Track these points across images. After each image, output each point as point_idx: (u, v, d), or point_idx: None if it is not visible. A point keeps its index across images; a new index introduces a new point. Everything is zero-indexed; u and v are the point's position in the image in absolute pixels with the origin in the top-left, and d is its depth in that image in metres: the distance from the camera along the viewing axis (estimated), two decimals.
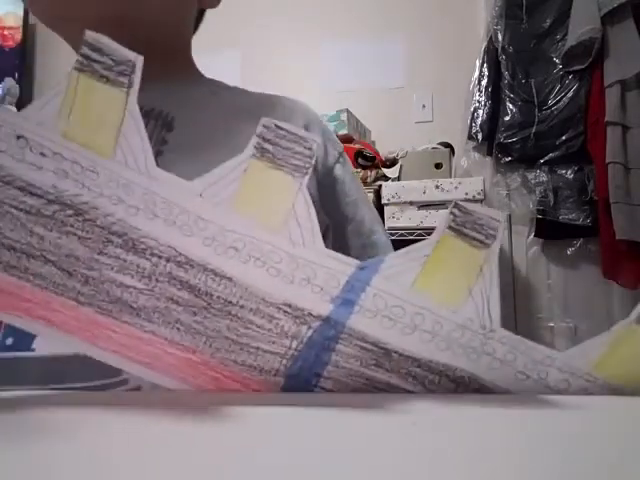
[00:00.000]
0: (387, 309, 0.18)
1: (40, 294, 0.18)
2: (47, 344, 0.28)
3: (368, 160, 1.63)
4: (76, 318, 0.18)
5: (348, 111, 1.68)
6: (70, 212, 0.18)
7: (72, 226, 0.18)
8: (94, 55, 0.17)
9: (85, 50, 0.17)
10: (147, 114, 0.37)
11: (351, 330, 0.18)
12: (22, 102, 2.02)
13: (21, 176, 0.17)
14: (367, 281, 0.18)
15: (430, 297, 0.18)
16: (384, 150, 1.77)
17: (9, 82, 2.04)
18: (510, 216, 1.66)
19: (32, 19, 2.19)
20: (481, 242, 0.18)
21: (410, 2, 1.90)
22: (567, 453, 0.13)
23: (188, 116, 0.39)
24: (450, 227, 0.18)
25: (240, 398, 0.19)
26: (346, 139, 1.61)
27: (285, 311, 0.18)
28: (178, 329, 0.18)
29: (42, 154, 0.17)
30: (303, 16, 2.00)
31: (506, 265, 1.67)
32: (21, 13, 2.20)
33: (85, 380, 0.27)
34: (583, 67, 1.51)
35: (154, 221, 0.18)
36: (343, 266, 0.18)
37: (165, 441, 0.14)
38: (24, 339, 0.28)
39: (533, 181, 1.59)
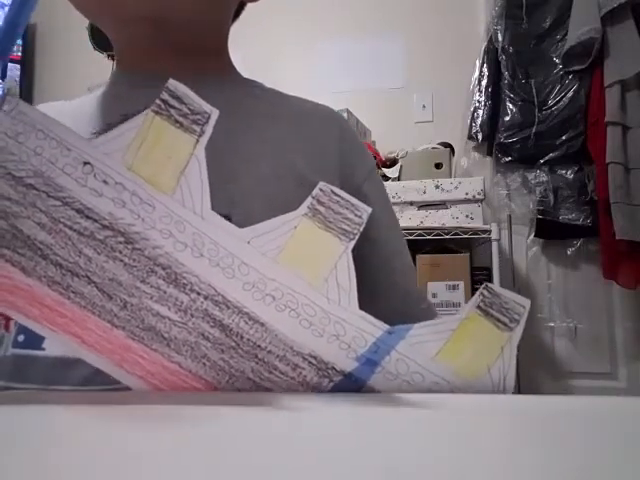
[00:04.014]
0: (408, 374, 0.19)
1: (78, 312, 0.19)
2: (56, 345, 0.28)
3: None
4: (108, 340, 0.19)
5: (348, 111, 1.68)
6: (121, 239, 0.18)
7: (120, 252, 0.18)
8: (172, 102, 0.18)
9: (165, 95, 0.18)
10: None
11: (371, 389, 0.19)
12: None
13: (81, 199, 0.18)
14: (393, 345, 0.19)
15: (451, 368, 0.19)
16: (384, 150, 1.77)
17: (9, 82, 2.04)
18: (510, 216, 1.66)
19: (32, 19, 2.19)
20: (505, 325, 0.19)
21: (410, 2, 1.90)
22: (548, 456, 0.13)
23: (219, 120, 0.38)
24: (479, 307, 0.19)
25: (240, 398, 0.19)
26: None
27: (310, 362, 0.19)
28: (204, 364, 0.19)
29: (105, 182, 0.18)
30: (303, 16, 2.00)
31: (506, 265, 1.67)
32: None
33: (90, 384, 0.27)
34: (583, 67, 1.51)
35: (200, 260, 0.18)
36: (373, 328, 0.19)
37: (163, 441, 0.14)
38: (35, 337, 0.28)
39: (533, 181, 1.59)
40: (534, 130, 1.56)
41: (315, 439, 0.14)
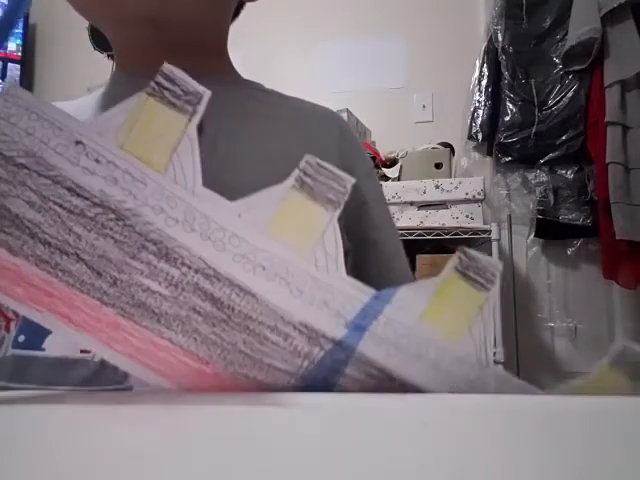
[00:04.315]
0: (395, 338, 0.19)
1: (65, 290, 0.19)
2: (56, 346, 0.28)
3: None
4: (97, 318, 0.19)
5: (348, 111, 1.68)
6: (112, 216, 0.18)
7: (111, 229, 0.18)
8: (166, 84, 0.18)
9: (159, 78, 0.18)
10: None
11: (360, 355, 0.19)
12: None
13: (72, 178, 0.18)
14: (380, 310, 0.19)
15: (436, 329, 0.20)
16: (384, 150, 1.77)
17: (9, 82, 2.04)
18: (510, 216, 1.66)
19: (33, 18, 2.19)
20: (482, 285, 0.19)
21: (410, 2, 1.90)
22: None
23: (219, 119, 0.38)
24: (456, 269, 0.19)
25: (241, 398, 0.19)
26: None
27: (301, 331, 0.19)
28: (195, 339, 0.19)
29: (97, 161, 0.18)
30: (303, 16, 2.00)
31: (506, 265, 1.67)
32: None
33: (89, 385, 0.27)
34: (583, 67, 1.51)
35: (191, 234, 0.19)
36: (360, 294, 0.19)
37: (164, 441, 0.14)
38: (36, 338, 0.28)
39: (533, 181, 1.59)
40: (534, 130, 1.56)
41: (315, 439, 0.14)
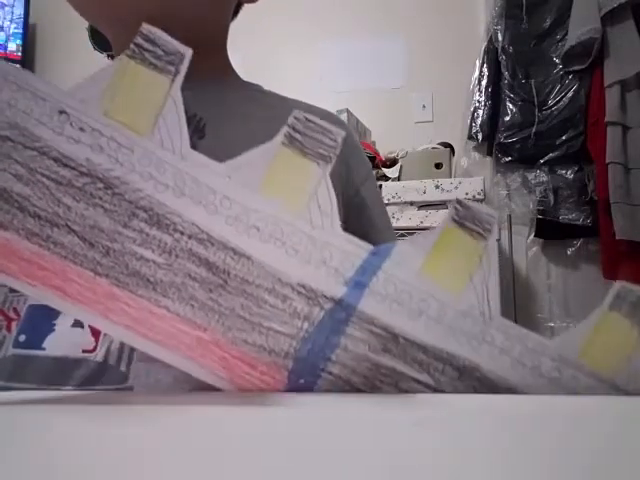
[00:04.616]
0: (396, 293, 0.19)
1: (58, 263, 0.18)
2: (57, 346, 0.28)
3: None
4: (91, 289, 0.19)
5: (348, 111, 1.68)
6: (100, 185, 0.18)
7: (100, 199, 0.18)
8: (146, 45, 0.18)
9: (139, 40, 0.18)
10: None
11: (361, 313, 0.19)
12: None
13: (58, 148, 0.18)
14: (379, 265, 0.19)
15: (436, 283, 0.19)
16: (384, 150, 1.77)
17: None
18: (510, 216, 1.66)
19: (33, 19, 2.19)
20: (480, 235, 0.19)
21: (410, 2, 1.90)
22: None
23: (220, 123, 0.37)
24: (453, 219, 0.19)
25: (241, 398, 0.19)
26: None
27: (299, 292, 0.19)
28: (192, 306, 0.19)
29: (81, 129, 0.18)
30: (303, 16, 2.00)
31: (506, 265, 1.66)
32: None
33: (90, 384, 0.27)
34: (583, 67, 1.51)
35: (181, 199, 0.18)
36: (358, 250, 0.19)
37: (164, 441, 0.14)
38: (36, 337, 0.28)
39: (533, 181, 1.59)
40: (534, 130, 1.56)
41: (316, 439, 0.14)
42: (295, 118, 0.18)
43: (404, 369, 0.19)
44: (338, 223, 0.19)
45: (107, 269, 0.18)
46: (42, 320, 0.28)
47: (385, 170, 1.66)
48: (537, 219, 1.62)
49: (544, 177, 1.57)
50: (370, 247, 0.19)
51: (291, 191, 0.19)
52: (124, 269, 0.18)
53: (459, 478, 0.11)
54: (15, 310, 0.29)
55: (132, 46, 0.18)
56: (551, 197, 1.56)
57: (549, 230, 1.61)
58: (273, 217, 0.18)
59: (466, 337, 0.19)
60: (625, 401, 0.19)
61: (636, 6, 1.45)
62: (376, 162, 1.65)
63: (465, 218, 0.19)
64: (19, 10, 2.17)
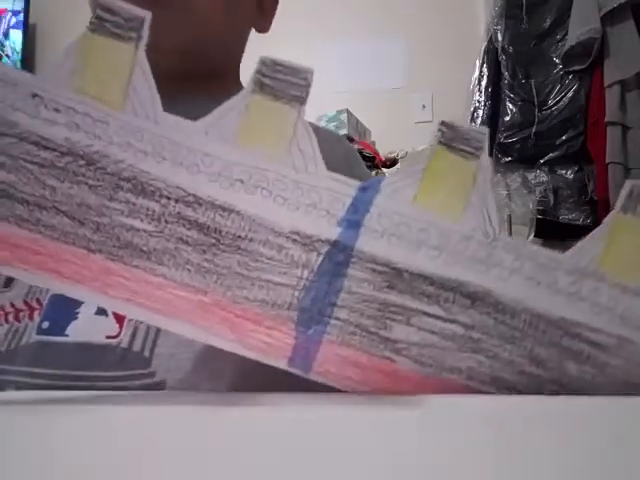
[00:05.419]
0: (393, 227, 0.18)
1: (51, 245, 0.18)
2: (80, 332, 0.28)
3: (368, 160, 1.63)
4: (87, 267, 0.19)
5: (348, 111, 1.68)
6: (82, 162, 0.18)
7: (84, 175, 0.18)
8: (106, 15, 0.18)
9: (98, 12, 0.18)
10: None
11: (360, 253, 0.19)
12: None
13: (36, 132, 0.18)
14: (370, 201, 0.18)
15: (433, 210, 0.18)
16: (384, 150, 1.77)
17: None
18: (510, 216, 1.66)
19: (33, 19, 2.19)
20: (471, 154, 0.18)
21: (410, 2, 1.90)
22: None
23: None
24: (440, 142, 0.18)
25: (241, 398, 0.19)
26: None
27: (294, 239, 0.18)
28: (189, 270, 0.19)
29: (56, 110, 0.18)
30: (303, 16, 2.00)
31: None
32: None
33: (113, 369, 0.27)
34: (583, 67, 1.51)
35: (162, 164, 0.18)
36: (347, 188, 0.18)
37: (164, 441, 0.14)
38: (59, 324, 0.29)
39: (533, 181, 1.59)
40: (534, 130, 1.56)
41: (316, 439, 0.14)
42: (262, 62, 0.18)
43: (413, 304, 0.19)
44: (322, 164, 0.18)
45: (99, 244, 0.18)
46: (65, 308, 0.29)
47: (385, 170, 1.66)
48: (537, 219, 1.62)
49: (544, 177, 1.57)
50: (358, 183, 0.18)
51: (269, 138, 0.18)
52: (116, 242, 0.18)
53: (459, 478, 0.11)
54: (38, 300, 0.30)
55: (92, 19, 0.18)
56: (551, 197, 1.55)
57: (549, 230, 1.61)
58: (255, 167, 0.18)
59: (472, 262, 0.18)
60: (626, 401, 0.19)
61: (636, 6, 1.45)
62: (376, 162, 1.65)
63: (453, 139, 0.18)
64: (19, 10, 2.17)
